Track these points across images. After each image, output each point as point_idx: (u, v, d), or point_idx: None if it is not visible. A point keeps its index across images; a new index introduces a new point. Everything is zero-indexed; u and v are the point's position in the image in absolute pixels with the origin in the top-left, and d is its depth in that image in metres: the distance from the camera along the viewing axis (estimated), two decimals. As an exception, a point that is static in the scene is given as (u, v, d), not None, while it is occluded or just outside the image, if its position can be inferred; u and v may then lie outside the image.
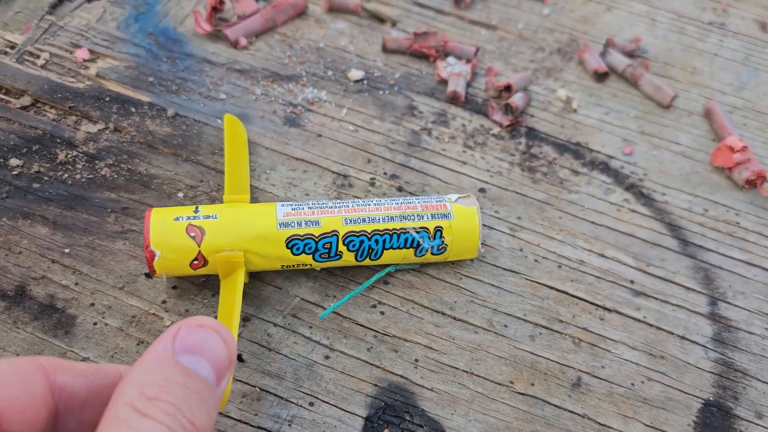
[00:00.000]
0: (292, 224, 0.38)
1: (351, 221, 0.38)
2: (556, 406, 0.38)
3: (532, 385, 0.38)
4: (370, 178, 0.45)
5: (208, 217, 0.37)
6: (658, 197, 0.47)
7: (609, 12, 0.59)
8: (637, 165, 0.48)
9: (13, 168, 0.44)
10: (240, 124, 0.46)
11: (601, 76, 0.53)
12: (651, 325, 0.41)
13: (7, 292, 0.39)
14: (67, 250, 0.41)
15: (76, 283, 0.40)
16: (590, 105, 0.52)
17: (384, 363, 0.38)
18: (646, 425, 0.37)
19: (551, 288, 0.42)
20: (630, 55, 0.55)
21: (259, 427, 0.35)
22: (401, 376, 0.38)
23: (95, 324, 0.38)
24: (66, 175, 0.44)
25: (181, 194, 0.44)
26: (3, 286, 0.39)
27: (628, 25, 0.58)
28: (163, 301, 0.39)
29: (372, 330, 0.39)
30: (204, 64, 0.51)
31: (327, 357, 0.38)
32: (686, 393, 0.39)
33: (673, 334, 0.41)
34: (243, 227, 0.37)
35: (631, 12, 0.60)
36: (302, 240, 0.38)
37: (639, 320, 0.41)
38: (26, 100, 0.47)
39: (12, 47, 0.51)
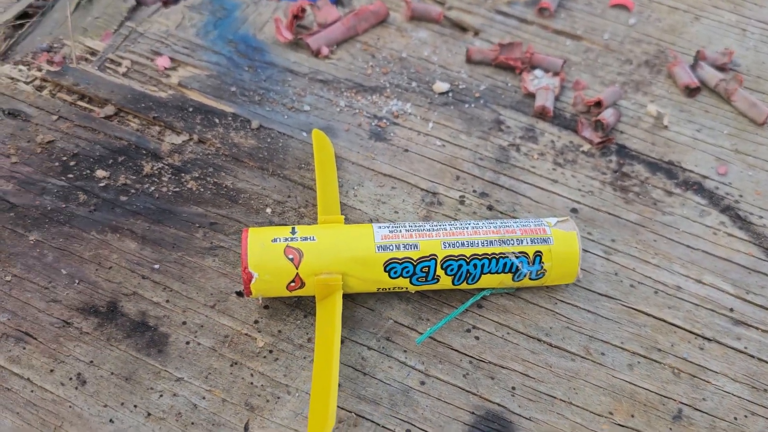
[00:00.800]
0: (391, 247, 0.37)
1: (450, 245, 0.37)
2: (657, 439, 0.37)
3: (632, 416, 0.37)
4: (460, 196, 0.45)
5: (305, 238, 0.37)
6: (756, 220, 0.45)
7: (697, 21, 0.57)
8: (732, 186, 0.47)
9: (100, 180, 0.44)
10: (327, 140, 0.45)
11: (692, 91, 0.51)
12: (753, 357, 0.40)
13: (99, 308, 0.39)
14: (156, 266, 0.41)
15: (167, 300, 0.39)
16: (681, 121, 0.50)
17: (481, 390, 0.37)
18: (752, 463, 0.36)
19: (648, 315, 0.41)
20: (721, 68, 0.53)
21: (356, 455, 0.35)
22: (499, 404, 0.37)
23: (188, 343, 0.38)
24: (152, 188, 0.44)
25: (269, 210, 0.43)
26: (95, 302, 0.39)
27: (717, 36, 0.57)
28: (256, 321, 0.39)
29: (467, 356, 0.38)
30: (286, 73, 0.50)
31: (423, 383, 0.37)
32: (793, 430, 0.37)
33: (777, 366, 0.39)
34: (341, 250, 0.37)
35: (720, 22, 0.58)
36: (400, 264, 0.37)
37: (740, 351, 0.40)
38: (110, 110, 0.47)
39: (93, 54, 0.51)
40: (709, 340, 0.40)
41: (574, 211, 0.44)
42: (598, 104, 0.48)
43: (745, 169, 0.48)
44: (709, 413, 0.37)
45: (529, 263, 0.38)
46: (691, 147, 0.49)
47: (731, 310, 0.41)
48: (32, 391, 0.36)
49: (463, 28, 0.54)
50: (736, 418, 0.37)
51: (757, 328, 0.41)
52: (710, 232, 0.44)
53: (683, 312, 0.41)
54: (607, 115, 0.47)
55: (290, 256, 0.36)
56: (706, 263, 0.43)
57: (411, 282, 0.38)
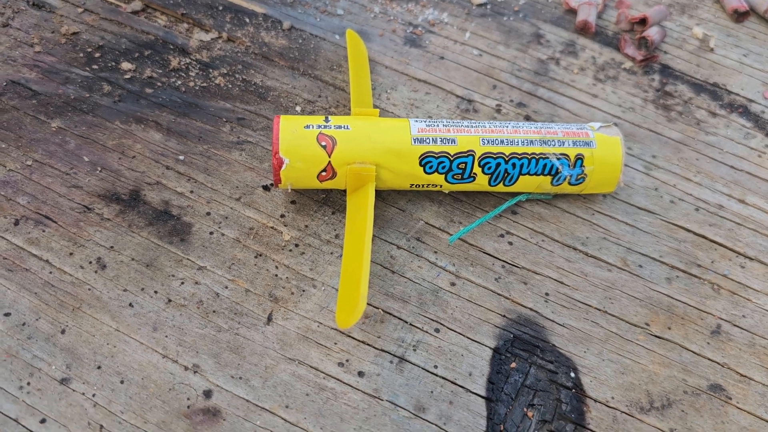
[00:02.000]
0: (427, 140, 0.35)
1: (488, 142, 0.36)
2: (694, 352, 0.35)
3: (669, 329, 0.36)
4: (496, 105, 0.43)
5: (339, 127, 0.35)
6: (802, 146, 0.44)
7: (745, -50, 0.55)
8: (778, 111, 0.45)
9: (125, 72, 0.42)
10: (361, 41, 0.43)
11: (740, 16, 0.49)
12: (795, 278, 0.38)
13: (122, 196, 0.38)
14: (181, 158, 0.39)
15: (192, 191, 0.38)
16: (728, 45, 0.48)
17: (513, 294, 0.36)
18: (793, 380, 0.35)
19: (689, 231, 0.39)
20: (771, -5, 0.51)
21: (382, 350, 0.33)
22: (531, 309, 0.36)
23: (212, 233, 0.37)
24: (179, 82, 0.42)
25: (298, 108, 0.42)
26: (117, 190, 0.38)
27: (766, -35, 0.54)
28: (282, 215, 0.37)
29: (500, 260, 0.37)
30: (319, -22, 0.48)
31: (453, 284, 0.36)
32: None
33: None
34: (375, 140, 0.35)
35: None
36: (436, 158, 0.35)
37: (782, 271, 0.38)
38: (137, 5, 0.46)
39: (120, -48, 0.49)
40: (750, 259, 0.38)
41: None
42: (643, 22, 0.46)
43: (792, 95, 0.46)
44: (749, 330, 0.36)
45: (569, 166, 0.37)
46: (737, 71, 0.47)
47: (774, 231, 0.40)
48: (51, 273, 0.35)
49: (503, -57, 0.52)
50: (776, 337, 0.36)
51: (800, 251, 0.39)
52: (755, 154, 0.43)
53: (725, 230, 0.39)
54: (653, 33, 0.45)
55: (323, 143, 0.35)
56: (749, 184, 0.41)
57: (446, 179, 0.36)
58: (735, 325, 0.36)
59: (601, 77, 0.45)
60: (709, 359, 0.35)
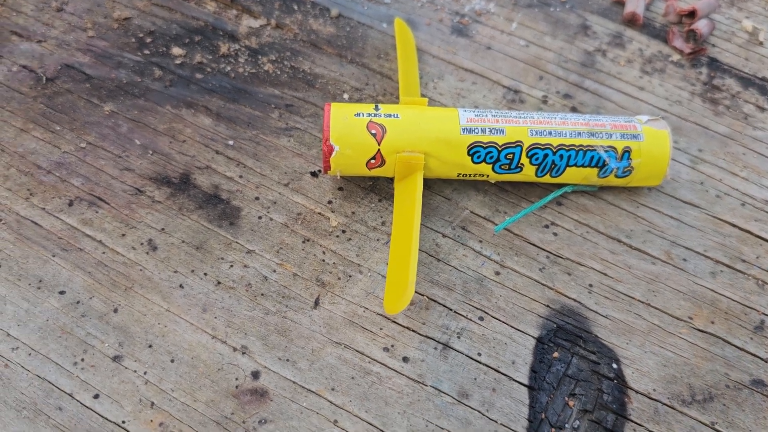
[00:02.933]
0: (476, 130, 0.36)
1: (537, 133, 0.36)
2: (737, 347, 0.35)
3: (712, 323, 0.36)
4: (542, 96, 0.43)
5: (389, 115, 0.36)
6: None
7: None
8: (828, 106, 0.45)
9: (176, 57, 0.43)
10: (409, 30, 0.44)
11: (791, 9, 0.49)
12: (842, 276, 0.38)
13: (172, 179, 0.38)
14: (231, 143, 0.40)
15: (241, 176, 0.39)
16: (778, 39, 0.48)
17: (557, 285, 0.36)
18: (837, 378, 0.35)
19: (734, 226, 0.39)
20: (823, -11, 0.50)
21: (427, 336, 0.34)
22: (575, 300, 0.36)
23: (260, 218, 0.37)
24: (228, 68, 0.43)
25: (346, 95, 0.42)
26: (168, 173, 0.39)
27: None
28: (329, 201, 0.38)
29: (544, 250, 0.37)
30: (366, -34, 0.49)
31: (497, 273, 0.36)
32: None
33: None
34: (425, 129, 0.36)
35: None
36: (485, 148, 0.36)
37: (829, 269, 0.38)
38: (187, -9, 0.46)
39: (170, -62, 0.50)
40: (796, 256, 0.38)
41: (660, 118, 0.43)
42: (692, 15, 0.46)
43: (842, 91, 0.46)
44: (793, 327, 0.36)
45: (617, 158, 0.37)
46: (787, 65, 0.47)
47: (821, 228, 0.40)
48: (104, 253, 0.36)
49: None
50: (821, 335, 0.36)
51: None
52: (803, 150, 0.43)
53: (771, 226, 0.39)
54: (701, 25, 0.45)
55: (373, 131, 0.35)
56: (797, 180, 0.41)
57: (493, 169, 0.37)
58: (780, 322, 0.36)
59: (648, 69, 0.45)
60: (752, 354, 0.35)
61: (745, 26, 0.47)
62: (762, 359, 0.35)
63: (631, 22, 0.46)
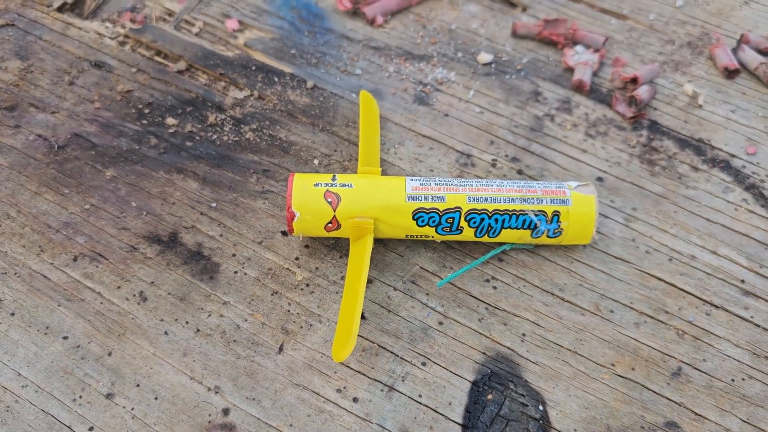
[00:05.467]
0: (420, 198, 0.41)
1: (474, 199, 0.41)
2: (654, 392, 0.39)
3: (633, 369, 0.40)
4: (492, 159, 0.48)
5: (344, 185, 0.41)
6: (779, 199, 0.47)
7: (746, 6, 0.59)
8: (759, 166, 0.49)
9: (170, 126, 0.49)
10: (374, 101, 0.49)
11: (731, 73, 0.53)
12: (758, 326, 0.42)
13: (162, 237, 0.44)
14: (214, 204, 0.46)
15: (221, 235, 0.44)
16: (717, 102, 0.52)
17: (493, 334, 0.41)
18: (743, 420, 0.38)
19: (660, 279, 0.43)
20: (764, 52, 0.54)
21: (375, 380, 0.39)
22: (508, 348, 0.40)
23: (236, 273, 0.43)
24: (215, 136, 0.49)
25: (316, 161, 0.47)
26: (159, 232, 0.44)
27: (764, 20, 0.58)
28: (296, 258, 0.43)
29: (484, 302, 0.42)
30: (342, 39, 0.54)
31: (441, 323, 0.41)
32: (788, 394, 0.40)
33: (780, 335, 0.42)
34: (375, 197, 0.41)
35: (769, 8, 0.59)
36: (427, 213, 0.41)
37: (746, 319, 0.42)
38: (182, 65, 0.52)
39: (170, 15, 0.56)
40: (716, 307, 0.42)
41: (599, 179, 0.47)
42: (635, 81, 0.51)
43: (775, 150, 0.50)
44: (708, 373, 0.40)
45: (547, 221, 0.41)
46: (723, 126, 0.51)
47: (742, 281, 0.43)
48: (102, 303, 0.41)
49: (512, 4, 0.57)
50: (733, 380, 0.40)
51: (766, 300, 0.43)
52: (731, 207, 0.46)
53: (695, 279, 0.43)
54: (642, 91, 0.50)
55: (329, 200, 0.41)
56: (723, 236, 0.45)
57: (437, 231, 0.42)
58: (695, 368, 0.40)
59: (593, 133, 0.50)
60: (667, 398, 0.39)
61: (686, 90, 0.52)
62: (677, 403, 0.39)
63: (579, 88, 0.51)
